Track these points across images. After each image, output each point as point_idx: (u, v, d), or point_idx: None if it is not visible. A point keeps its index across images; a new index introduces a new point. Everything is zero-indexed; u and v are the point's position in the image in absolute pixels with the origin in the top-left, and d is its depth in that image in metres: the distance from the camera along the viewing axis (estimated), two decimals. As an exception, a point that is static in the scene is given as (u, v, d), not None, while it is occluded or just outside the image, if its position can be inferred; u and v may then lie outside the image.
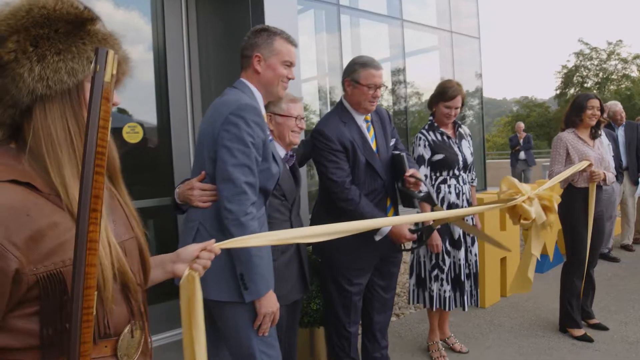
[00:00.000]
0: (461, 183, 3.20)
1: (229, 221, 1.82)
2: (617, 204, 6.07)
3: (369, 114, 2.72)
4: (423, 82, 10.17)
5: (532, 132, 19.49)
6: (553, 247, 5.50)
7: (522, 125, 12.60)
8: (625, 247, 6.36)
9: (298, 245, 2.43)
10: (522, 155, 11.78)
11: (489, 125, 43.76)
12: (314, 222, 2.73)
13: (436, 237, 3.04)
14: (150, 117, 3.75)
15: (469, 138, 3.34)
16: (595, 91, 30.73)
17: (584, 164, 3.33)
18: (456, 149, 3.19)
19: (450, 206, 3.15)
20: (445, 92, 3.09)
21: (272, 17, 3.20)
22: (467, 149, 3.26)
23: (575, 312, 3.64)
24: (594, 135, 3.65)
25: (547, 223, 2.50)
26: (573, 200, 3.53)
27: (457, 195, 3.18)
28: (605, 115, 5.04)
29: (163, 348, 3.35)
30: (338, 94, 9.01)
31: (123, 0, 3.62)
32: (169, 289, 2.05)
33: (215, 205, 1.90)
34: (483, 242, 4.26)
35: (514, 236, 4.81)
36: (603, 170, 3.49)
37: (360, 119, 2.69)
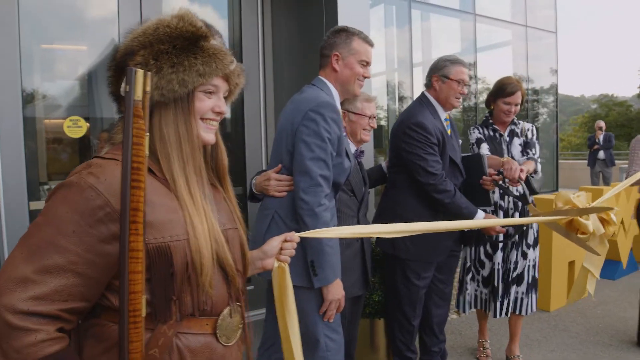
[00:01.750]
0: (507, 183, 3.11)
1: (303, 211, 1.94)
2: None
3: (447, 113, 2.79)
4: (494, 78, 9.92)
5: (611, 132, 18.45)
6: (627, 254, 5.27)
7: (601, 123, 11.98)
8: None
9: (362, 241, 2.51)
10: (601, 154, 11.22)
11: (564, 124, 41.78)
12: (384, 215, 2.79)
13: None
14: (227, 112, 3.95)
15: (529, 134, 3.16)
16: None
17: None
18: (504, 147, 3.11)
19: (494, 206, 3.10)
20: (504, 89, 3.04)
21: (345, 16, 3.28)
22: (517, 147, 3.14)
23: None
24: None
25: (606, 236, 2.45)
26: None
27: (502, 196, 3.11)
28: None
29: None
30: (406, 90, 8.96)
31: (204, -2, 3.82)
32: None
33: (291, 195, 2.03)
34: (550, 243, 4.18)
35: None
36: None
37: (443, 116, 2.76)
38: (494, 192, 3.04)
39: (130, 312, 0.93)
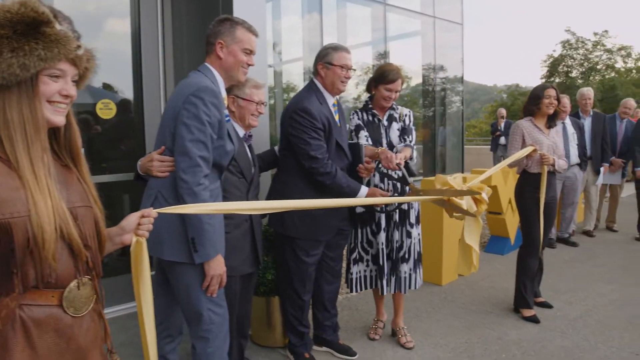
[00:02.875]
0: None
1: (183, 190, 2.03)
2: (580, 192, 6.33)
3: (335, 99, 2.93)
4: (405, 67, 10.29)
5: (517, 120, 19.63)
6: (515, 231, 5.74)
7: (502, 111, 12.82)
8: (587, 233, 6.65)
9: (252, 221, 2.62)
10: (502, 140, 12.00)
11: (479, 112, 43.96)
12: (274, 196, 2.90)
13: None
14: (125, 94, 3.89)
15: (407, 120, 3.28)
16: (580, 81, 31.04)
17: (529, 149, 3.55)
18: (382, 131, 3.22)
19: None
20: (386, 75, 3.12)
21: (240, 4, 3.33)
22: (395, 132, 3.23)
23: (528, 293, 3.85)
24: (550, 125, 3.85)
25: (478, 213, 2.80)
26: (526, 185, 3.75)
27: (381, 179, 3.21)
28: (565, 109, 5.28)
29: (131, 316, 3.55)
30: (319, 76, 9.13)
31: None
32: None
33: (173, 176, 2.11)
34: (440, 222, 4.48)
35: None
36: (556, 157, 3.71)
37: (330, 102, 2.89)
38: (374, 175, 3.19)
39: None
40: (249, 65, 2.30)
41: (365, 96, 3.51)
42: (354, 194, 2.77)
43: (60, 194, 1.15)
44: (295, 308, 2.95)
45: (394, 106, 3.28)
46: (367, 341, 3.43)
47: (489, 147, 14.14)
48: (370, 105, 3.28)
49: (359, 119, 3.26)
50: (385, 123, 3.24)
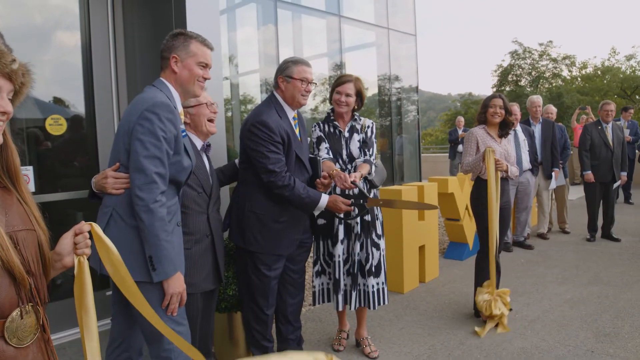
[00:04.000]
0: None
1: (139, 207, 1.97)
2: (533, 196, 6.54)
3: (295, 112, 2.92)
4: (361, 78, 10.42)
5: (469, 128, 20.13)
6: (473, 237, 5.86)
7: (462, 120, 13.06)
8: (541, 236, 6.86)
9: (213, 237, 2.58)
10: (460, 148, 12.25)
11: (435, 120, 44.92)
12: (236, 210, 2.88)
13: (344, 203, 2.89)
14: (76, 109, 3.77)
15: (369, 132, 3.27)
16: (528, 89, 32.20)
17: (489, 151, 3.63)
18: (342, 143, 3.23)
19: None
20: (337, 79, 3.25)
21: (194, 18, 3.30)
22: (355, 143, 3.22)
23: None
24: (501, 134, 3.97)
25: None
26: (481, 190, 3.83)
27: (343, 190, 3.12)
28: (516, 116, 5.45)
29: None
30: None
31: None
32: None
33: (128, 193, 2.04)
34: (400, 230, 4.52)
35: (433, 226, 5.11)
36: (509, 164, 3.82)
37: (291, 115, 2.88)
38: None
39: None
40: (205, 78, 2.27)
41: (323, 108, 3.53)
42: (314, 204, 2.76)
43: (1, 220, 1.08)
44: (258, 322, 2.90)
45: (357, 117, 3.29)
46: (331, 353, 3.40)
47: (446, 154, 14.44)
48: (332, 117, 3.28)
49: (320, 130, 3.27)
50: (347, 134, 3.24)
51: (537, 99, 6.56)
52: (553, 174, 6.56)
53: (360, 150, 3.23)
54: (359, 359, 3.32)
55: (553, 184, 6.67)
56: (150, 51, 3.64)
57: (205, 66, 2.25)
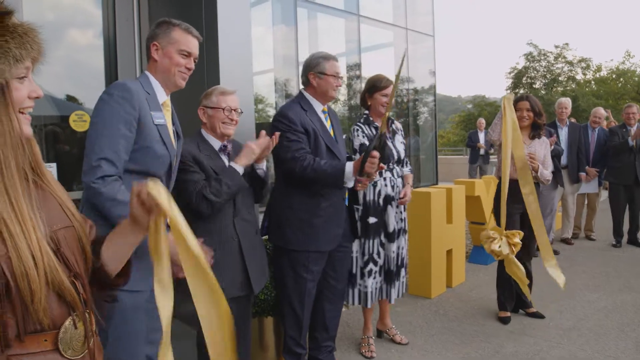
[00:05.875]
0: (395, 176, 3.32)
1: (88, 195, 1.90)
2: (557, 200, 6.38)
3: (325, 106, 2.89)
4: (378, 78, 10.29)
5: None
6: (497, 240, 5.71)
7: (483, 121, 12.69)
8: (565, 241, 6.69)
9: (240, 244, 2.45)
10: (482, 151, 11.99)
11: (444, 122, 44.76)
12: (274, 208, 2.83)
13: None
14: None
15: (401, 133, 3.45)
16: (543, 92, 31.92)
17: (505, 99, 3.49)
18: (390, 144, 3.30)
19: (387, 198, 3.26)
20: (379, 82, 3.23)
21: (225, 11, 3.20)
22: (400, 144, 3.39)
23: (505, 297, 3.92)
24: (532, 136, 3.83)
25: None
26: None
27: (392, 188, 3.28)
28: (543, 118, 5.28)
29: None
30: (294, 87, 9.03)
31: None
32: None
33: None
34: (428, 234, 4.40)
35: (460, 230, 4.99)
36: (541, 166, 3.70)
37: (319, 109, 2.84)
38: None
39: None
40: (188, 68, 2.10)
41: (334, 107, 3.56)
42: (340, 173, 2.58)
43: (42, 223, 0.97)
44: (293, 328, 2.80)
45: (391, 118, 3.36)
46: (362, 358, 3.32)
47: (460, 156, 14.21)
48: (371, 119, 3.32)
49: (363, 134, 3.25)
50: (389, 135, 3.30)
51: (566, 101, 6.40)
52: (582, 178, 6.42)
53: (404, 151, 3.33)
54: (387, 348, 3.22)
55: (583, 188, 6.52)
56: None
57: (189, 55, 2.09)
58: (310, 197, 2.73)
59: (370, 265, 3.27)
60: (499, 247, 3.47)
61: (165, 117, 2.05)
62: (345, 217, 2.97)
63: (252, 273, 2.49)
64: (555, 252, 6.05)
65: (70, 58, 3.67)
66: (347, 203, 2.99)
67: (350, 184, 2.67)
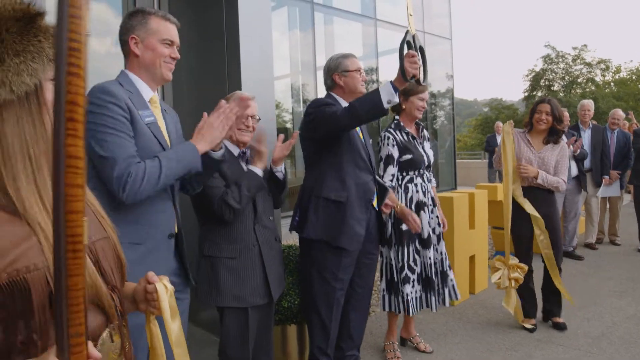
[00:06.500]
0: (426, 181, 3.30)
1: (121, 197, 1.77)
2: (581, 205, 6.25)
3: None
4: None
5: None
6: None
7: (501, 125, 12.54)
8: (589, 246, 6.55)
9: (261, 251, 2.42)
10: None
11: (460, 126, 44.47)
12: (306, 193, 2.81)
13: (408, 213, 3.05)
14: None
15: (428, 139, 3.47)
16: (561, 94, 31.50)
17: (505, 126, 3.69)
18: (421, 150, 3.28)
19: (418, 204, 3.21)
20: (415, 87, 3.18)
21: (246, 15, 3.19)
22: (429, 150, 3.39)
23: (527, 304, 3.85)
24: (548, 141, 3.72)
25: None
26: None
27: (424, 193, 3.26)
28: (565, 122, 5.17)
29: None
30: (310, 92, 9.02)
31: (93, -8, 3.55)
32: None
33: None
34: (451, 239, 4.33)
35: (483, 235, 4.90)
36: (544, 173, 3.64)
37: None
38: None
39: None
40: (173, 58, 1.94)
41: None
42: (377, 98, 2.39)
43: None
44: (320, 338, 2.75)
45: (419, 124, 3.37)
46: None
47: (478, 160, 14.06)
48: (402, 124, 3.28)
49: (394, 142, 3.20)
50: (420, 140, 3.32)
51: (589, 103, 6.28)
52: (603, 181, 6.27)
53: (432, 156, 3.34)
54: (412, 356, 3.15)
55: (601, 192, 6.38)
56: (197, 54, 3.55)
57: (171, 44, 1.93)
58: (336, 179, 2.71)
59: (407, 272, 3.19)
60: (499, 278, 3.67)
61: (154, 114, 1.92)
62: (374, 223, 2.92)
63: (271, 281, 2.46)
64: (580, 258, 5.96)
65: (89, 67, 3.68)
66: (377, 207, 2.94)
67: (395, 99, 2.40)
